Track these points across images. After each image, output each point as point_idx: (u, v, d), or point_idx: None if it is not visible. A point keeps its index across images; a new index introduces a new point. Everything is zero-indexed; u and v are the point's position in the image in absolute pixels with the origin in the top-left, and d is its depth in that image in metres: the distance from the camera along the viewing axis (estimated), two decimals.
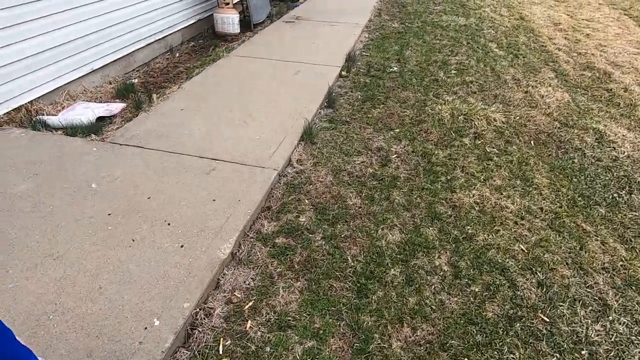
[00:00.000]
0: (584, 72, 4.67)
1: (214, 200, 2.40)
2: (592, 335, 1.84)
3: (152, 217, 2.27)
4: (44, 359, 1.52)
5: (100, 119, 3.39)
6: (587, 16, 6.84)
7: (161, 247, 2.06)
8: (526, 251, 2.27)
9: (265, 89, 3.87)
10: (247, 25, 5.64)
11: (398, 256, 2.20)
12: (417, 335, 1.80)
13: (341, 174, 2.80)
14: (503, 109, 3.77)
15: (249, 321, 1.81)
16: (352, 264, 2.14)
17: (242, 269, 2.06)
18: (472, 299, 1.99)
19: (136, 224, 2.21)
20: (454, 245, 2.29)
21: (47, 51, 3.39)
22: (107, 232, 2.16)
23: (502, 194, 2.70)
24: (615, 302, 2.01)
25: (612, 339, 1.84)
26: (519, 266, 2.18)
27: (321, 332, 1.78)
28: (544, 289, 2.05)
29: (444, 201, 2.61)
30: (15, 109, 3.25)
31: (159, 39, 4.78)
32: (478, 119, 3.53)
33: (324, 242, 2.25)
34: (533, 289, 2.05)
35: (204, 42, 5.44)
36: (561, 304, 1.98)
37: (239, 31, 5.42)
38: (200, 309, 1.81)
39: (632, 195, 2.76)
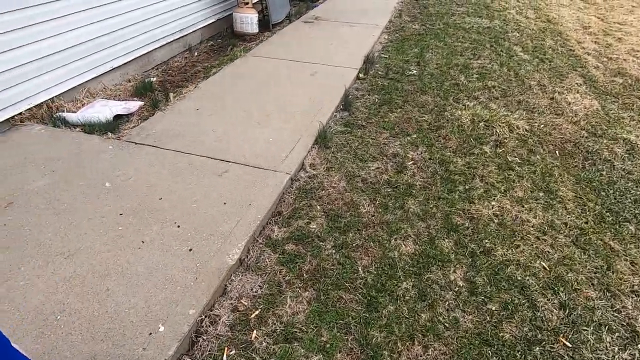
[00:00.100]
0: (615, 79, 4.45)
1: (224, 203, 2.38)
2: None
3: (163, 218, 2.26)
4: None
5: (118, 117, 3.42)
6: (619, 19, 6.53)
7: (170, 250, 2.05)
8: (548, 269, 2.15)
9: (281, 90, 3.83)
10: (266, 25, 5.62)
11: (411, 269, 2.12)
12: (428, 355, 1.72)
13: (355, 180, 2.74)
14: (527, 116, 3.61)
15: (255, 331, 1.77)
16: (362, 275, 2.07)
17: (250, 276, 2.02)
18: (488, 318, 1.89)
19: (146, 225, 2.21)
20: (470, 260, 2.19)
21: (69, 49, 3.45)
22: (118, 232, 2.16)
23: (523, 206, 2.57)
24: None
25: None
26: (540, 285, 2.06)
27: (328, 346, 1.73)
28: (567, 311, 1.93)
29: (461, 212, 2.51)
30: (37, 105, 3.31)
31: (178, 38, 4.81)
32: (500, 126, 3.39)
33: (334, 251, 2.19)
34: (555, 310, 1.94)
35: (222, 41, 5.45)
36: (585, 328, 1.86)
37: (257, 31, 5.41)
38: (205, 316, 1.78)
39: None
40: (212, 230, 2.18)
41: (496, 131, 3.35)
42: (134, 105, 3.63)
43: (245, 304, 1.89)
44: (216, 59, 4.80)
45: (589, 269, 2.17)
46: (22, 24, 3.03)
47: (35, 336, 1.62)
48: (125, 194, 2.45)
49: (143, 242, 2.09)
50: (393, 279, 2.05)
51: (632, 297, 2.02)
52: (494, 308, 1.93)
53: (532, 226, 2.42)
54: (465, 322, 1.87)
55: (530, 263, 2.18)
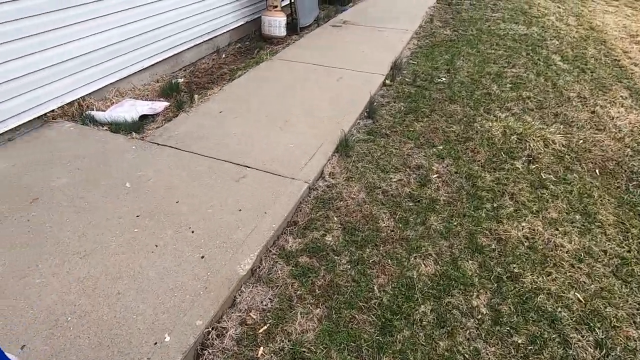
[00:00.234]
0: None
1: (240, 210, 2.34)
2: None
3: (178, 222, 2.24)
4: None
5: (144, 116, 3.48)
6: None
7: (182, 256, 2.02)
8: (583, 301, 1.97)
9: (305, 94, 3.78)
10: (294, 28, 5.60)
11: (430, 291, 1.99)
12: None
13: (375, 191, 2.63)
14: (564, 130, 3.38)
15: (262, 347, 1.70)
16: (378, 294, 1.96)
17: (260, 288, 1.96)
18: (513, 351, 1.74)
19: (161, 229, 2.20)
20: (495, 285, 2.03)
21: (102, 49, 3.54)
22: (133, 234, 2.16)
23: (557, 229, 2.38)
24: None
25: None
26: (574, 319, 1.88)
27: None
28: (604, 351, 1.75)
29: (487, 232, 2.35)
30: (69, 103, 3.42)
31: (207, 40, 4.86)
32: (534, 140, 3.18)
33: (349, 267, 2.10)
34: (589, 348, 1.76)
35: (250, 44, 5.48)
36: None
37: (284, 34, 5.40)
38: (212, 328, 1.73)
39: None
40: (226, 237, 2.14)
41: (530, 145, 3.14)
42: (160, 105, 3.68)
43: (254, 317, 1.83)
44: (242, 62, 4.81)
45: (630, 304, 1.96)
46: (60, 25, 3.14)
47: (45, 337, 1.63)
48: (144, 195, 2.46)
49: (157, 246, 2.08)
50: (410, 301, 1.93)
51: None
52: (520, 341, 1.78)
53: (567, 252, 2.23)
54: (487, 354, 1.72)
55: (563, 293, 2.00)
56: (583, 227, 2.41)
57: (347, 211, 2.46)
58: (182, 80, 4.32)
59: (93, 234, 2.16)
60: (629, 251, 2.26)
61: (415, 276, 2.06)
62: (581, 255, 2.21)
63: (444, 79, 4.27)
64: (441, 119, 3.51)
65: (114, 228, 2.20)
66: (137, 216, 2.28)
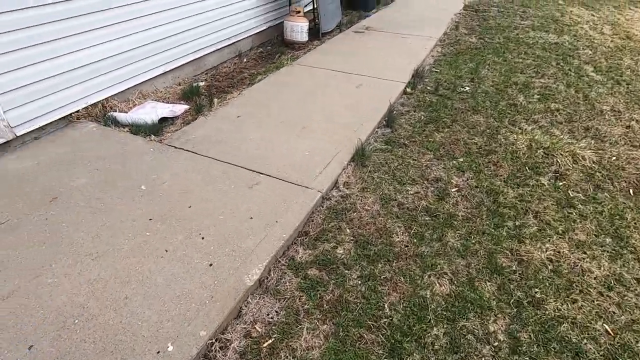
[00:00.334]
0: None
1: (251, 217, 2.31)
2: None
3: (189, 227, 2.24)
4: None
5: (164, 119, 3.53)
6: None
7: (191, 263, 2.01)
8: (612, 333, 1.82)
9: (323, 101, 3.74)
10: (316, 34, 5.59)
11: (444, 313, 1.89)
12: None
13: (390, 203, 2.55)
14: (595, 146, 3.19)
15: None
16: (388, 313, 1.88)
17: (267, 299, 1.92)
18: None
19: (172, 233, 2.20)
20: (515, 310, 1.91)
21: (125, 52, 3.62)
22: (145, 238, 2.16)
23: (585, 253, 2.23)
24: None
25: None
26: (601, 352, 1.74)
27: None
28: None
29: (508, 252, 2.23)
30: (93, 104, 3.51)
31: (229, 44, 4.91)
32: (562, 155, 3.02)
33: (360, 282, 2.03)
34: None
35: (272, 48, 5.50)
36: None
37: (306, 40, 5.40)
38: (216, 340, 1.70)
39: None
40: (235, 245, 2.12)
41: (557, 161, 2.98)
42: (180, 108, 3.73)
43: (259, 330, 1.79)
44: (263, 66, 4.83)
45: None
46: (88, 28, 3.23)
47: (52, 338, 1.64)
48: (158, 198, 2.47)
49: (166, 250, 2.08)
50: (422, 323, 1.84)
51: None
52: None
53: (595, 278, 2.08)
54: None
55: (590, 324, 1.86)
56: (614, 251, 2.25)
57: (360, 223, 2.39)
58: (203, 83, 4.38)
59: (106, 235, 2.19)
60: None
61: (428, 296, 1.97)
62: (611, 283, 2.06)
63: (467, 88, 4.14)
64: (463, 129, 3.39)
65: (127, 230, 2.22)
66: (150, 219, 2.30)
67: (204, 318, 1.73)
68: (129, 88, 3.78)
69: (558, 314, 1.90)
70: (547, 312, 1.90)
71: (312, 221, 2.40)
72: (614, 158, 3.06)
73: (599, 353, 1.74)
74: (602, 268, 2.14)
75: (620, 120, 3.59)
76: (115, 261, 2.02)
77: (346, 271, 2.08)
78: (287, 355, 1.69)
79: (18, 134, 2.98)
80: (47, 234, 2.19)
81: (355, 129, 3.25)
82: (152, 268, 1.97)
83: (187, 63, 4.37)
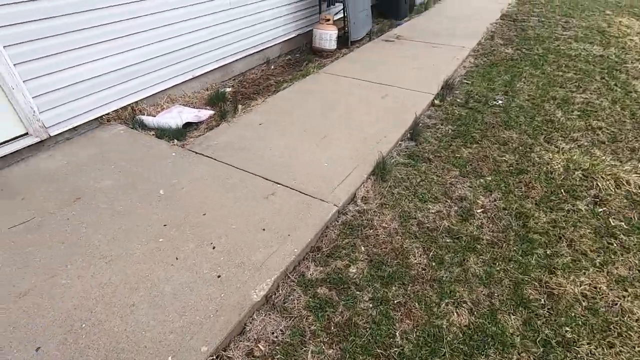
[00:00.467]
0: None
1: (263, 229, 2.26)
2: None
3: (201, 236, 2.22)
4: None
5: (188, 124, 3.58)
6: None
7: (199, 272, 1.98)
8: None
9: (347, 110, 3.66)
10: (345, 42, 5.54)
11: (461, 346, 1.75)
12: None
13: (409, 222, 2.43)
14: None
15: None
16: (399, 342, 1.76)
17: (273, 316, 1.86)
18: None
19: (184, 241, 2.19)
20: (541, 350, 1.74)
21: (156, 58, 3.72)
22: (157, 244, 2.17)
23: (626, 290, 2.01)
24: None
25: None
26: None
27: None
28: None
29: (536, 283, 2.05)
30: (123, 107, 3.62)
31: (258, 51, 4.96)
32: (603, 178, 2.77)
33: (371, 305, 1.92)
34: None
35: (300, 56, 5.51)
36: None
37: (334, 47, 5.36)
38: (217, 357, 1.65)
39: None
40: (245, 257, 2.07)
41: (597, 184, 2.74)
42: (205, 114, 3.78)
43: (262, 349, 1.73)
44: (290, 74, 4.84)
45: None
46: (121, 35, 3.34)
47: (59, 342, 1.66)
48: (175, 204, 2.48)
49: (177, 258, 2.07)
50: (436, 356, 1.71)
51: None
52: None
53: (637, 320, 1.86)
54: None
55: None
56: None
57: (376, 241, 2.28)
58: (230, 89, 4.43)
59: (122, 239, 2.21)
60: None
61: (444, 326, 1.83)
62: None
63: (500, 101, 3.93)
64: (493, 146, 3.21)
65: (141, 235, 2.24)
66: (165, 225, 2.30)
67: (207, 332, 1.69)
68: (158, 92, 3.88)
69: (591, 358, 1.71)
70: (578, 356, 1.72)
71: (326, 236, 2.32)
72: None
73: None
74: None
75: None
76: (126, 266, 2.03)
77: (357, 292, 1.98)
78: None
79: (52, 134, 3.11)
80: (67, 234, 2.25)
81: (377, 141, 3.15)
82: (161, 276, 1.97)
83: (216, 69, 4.44)
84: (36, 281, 1.95)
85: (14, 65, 2.74)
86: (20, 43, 2.73)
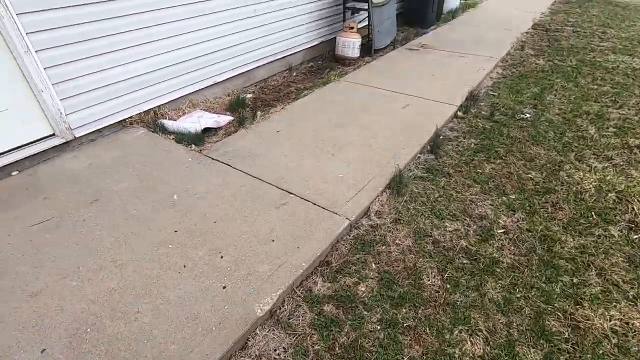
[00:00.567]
0: None
1: (272, 240, 2.22)
2: None
3: (210, 244, 2.21)
4: None
5: (207, 129, 3.62)
6: None
7: (205, 282, 1.96)
8: None
9: (365, 120, 3.60)
10: (368, 50, 5.49)
11: None
12: None
13: (424, 240, 2.32)
14: None
15: None
16: None
17: (277, 332, 1.81)
18: None
19: (193, 248, 2.18)
20: None
21: (181, 63, 3.79)
22: (167, 250, 2.17)
23: None
24: None
25: None
26: None
27: None
28: None
29: (560, 314, 1.90)
30: (146, 111, 3.70)
31: (280, 58, 4.98)
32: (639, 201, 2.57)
33: (379, 327, 1.84)
34: None
35: (322, 63, 5.49)
36: None
37: (357, 56, 5.31)
38: None
39: None
40: (252, 269, 2.04)
41: (633, 208, 2.54)
42: (224, 119, 3.81)
43: None
44: (311, 81, 4.82)
45: None
46: (145, 40, 3.43)
47: (64, 345, 1.67)
48: (187, 210, 2.49)
49: (185, 266, 2.06)
50: None
51: None
52: None
53: None
54: None
55: None
56: None
57: (388, 259, 2.20)
58: (250, 95, 4.45)
59: (133, 243, 2.23)
60: None
61: (457, 355, 1.72)
62: None
63: (528, 115, 3.75)
64: (518, 162, 3.05)
65: (151, 240, 2.25)
66: (175, 231, 2.31)
67: (208, 346, 1.66)
68: (180, 97, 3.95)
69: None
70: None
71: (336, 250, 2.25)
72: None
73: None
74: None
75: None
76: (135, 271, 2.04)
77: (365, 312, 1.90)
78: None
79: (77, 136, 3.22)
80: (81, 235, 2.29)
81: (395, 153, 3.06)
82: (167, 284, 1.96)
83: (238, 75, 4.49)
84: (48, 281, 1.99)
85: (44, 69, 2.85)
86: (50, 48, 2.84)
